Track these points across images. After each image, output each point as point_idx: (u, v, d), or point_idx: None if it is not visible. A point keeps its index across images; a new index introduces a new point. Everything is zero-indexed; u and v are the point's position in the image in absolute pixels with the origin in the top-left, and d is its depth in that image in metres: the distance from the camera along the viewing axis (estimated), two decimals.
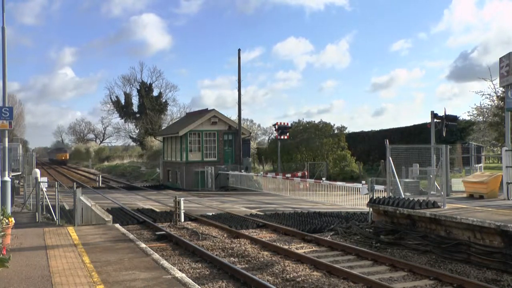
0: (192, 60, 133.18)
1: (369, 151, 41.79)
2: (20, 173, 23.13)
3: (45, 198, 14.40)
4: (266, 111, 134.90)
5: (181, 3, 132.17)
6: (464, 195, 15.53)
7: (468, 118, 35.84)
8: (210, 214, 18.31)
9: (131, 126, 77.82)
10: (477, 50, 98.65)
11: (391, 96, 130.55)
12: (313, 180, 25.87)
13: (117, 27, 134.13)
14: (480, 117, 35.01)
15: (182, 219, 16.24)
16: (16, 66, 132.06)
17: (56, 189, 14.04)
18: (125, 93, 74.65)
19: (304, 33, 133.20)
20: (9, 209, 13.14)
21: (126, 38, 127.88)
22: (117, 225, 13.13)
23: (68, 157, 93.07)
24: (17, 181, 21.40)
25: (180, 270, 8.78)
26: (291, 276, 9.21)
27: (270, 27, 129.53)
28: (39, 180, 14.71)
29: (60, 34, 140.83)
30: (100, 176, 42.30)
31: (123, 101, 74.38)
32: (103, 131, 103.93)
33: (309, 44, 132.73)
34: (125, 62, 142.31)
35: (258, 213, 18.70)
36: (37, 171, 17.78)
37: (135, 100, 74.21)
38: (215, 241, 12.99)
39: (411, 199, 12.61)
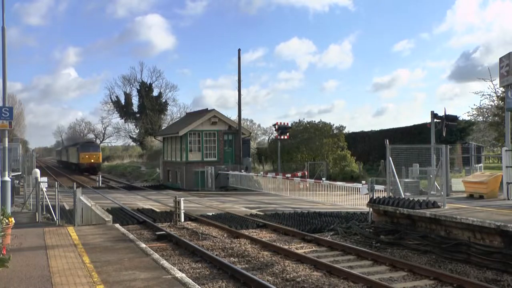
0: (195, 61, 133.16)
1: (369, 151, 41.79)
2: (20, 173, 23.13)
3: (45, 198, 14.40)
4: (267, 111, 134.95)
5: (186, 4, 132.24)
6: (464, 195, 15.53)
7: (468, 118, 35.84)
8: (210, 214, 18.30)
9: (131, 126, 77.83)
10: (479, 51, 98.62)
11: (392, 96, 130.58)
12: (313, 180, 25.86)
13: (121, 28, 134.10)
14: (480, 117, 35.01)
15: (182, 219, 16.23)
16: (20, 67, 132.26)
17: (56, 189, 14.04)
18: (125, 93, 74.69)
19: (307, 33, 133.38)
20: (9, 209, 13.14)
21: (130, 39, 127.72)
22: (117, 225, 13.12)
23: (101, 160, 56.96)
24: (17, 181, 21.39)
25: (180, 270, 8.77)
26: (291, 276, 9.21)
27: (273, 28, 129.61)
28: (39, 180, 14.72)
29: (65, 35, 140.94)
30: (100, 176, 42.28)
31: (123, 101, 74.38)
32: (103, 131, 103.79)
33: (312, 45, 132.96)
34: (128, 62, 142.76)
35: (258, 213, 18.70)
36: (37, 171, 17.77)
37: (135, 100, 74.29)
38: (215, 241, 12.99)
39: (411, 199, 12.61)
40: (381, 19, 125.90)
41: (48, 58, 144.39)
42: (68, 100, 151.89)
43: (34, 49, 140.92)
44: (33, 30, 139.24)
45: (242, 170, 32.81)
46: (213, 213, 18.46)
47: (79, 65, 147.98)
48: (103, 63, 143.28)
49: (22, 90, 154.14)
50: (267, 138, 63.29)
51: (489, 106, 33.03)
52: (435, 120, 18.82)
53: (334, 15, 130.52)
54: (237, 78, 35.12)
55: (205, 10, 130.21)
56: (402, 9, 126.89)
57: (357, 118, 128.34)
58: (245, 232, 14.22)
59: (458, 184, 17.94)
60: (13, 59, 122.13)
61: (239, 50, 36.10)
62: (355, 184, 22.14)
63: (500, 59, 15.46)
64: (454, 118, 19.64)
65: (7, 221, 9.51)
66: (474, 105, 40.62)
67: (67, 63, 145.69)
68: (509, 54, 15.01)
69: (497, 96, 31.18)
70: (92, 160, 52.96)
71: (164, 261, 8.53)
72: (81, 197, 13.25)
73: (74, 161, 57.35)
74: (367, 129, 50.83)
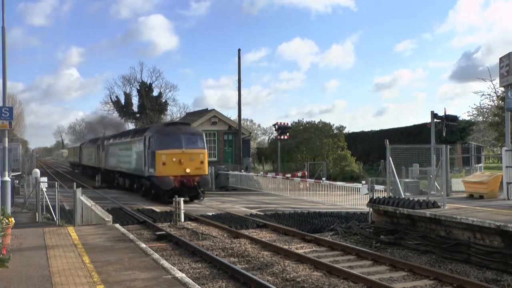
0: (197, 61, 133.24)
1: (369, 151, 41.84)
2: (20, 173, 23.16)
3: (45, 198, 14.40)
4: (267, 111, 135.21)
5: (189, 5, 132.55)
6: (464, 195, 15.54)
7: (468, 118, 35.89)
8: (210, 214, 18.30)
9: (131, 126, 77.82)
10: (481, 51, 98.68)
11: (393, 96, 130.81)
12: (313, 180, 25.87)
13: (124, 28, 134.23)
14: (480, 117, 35.06)
15: (182, 219, 16.22)
16: (23, 67, 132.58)
17: (56, 189, 14.04)
18: (125, 93, 74.69)
19: (309, 34, 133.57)
20: (9, 209, 13.15)
21: (134, 39, 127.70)
22: (117, 225, 13.12)
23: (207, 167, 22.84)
24: (17, 181, 21.41)
25: (180, 270, 8.77)
26: (291, 276, 9.21)
27: (275, 28, 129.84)
28: (39, 180, 14.72)
29: (68, 35, 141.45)
30: (100, 176, 42.13)
31: (123, 101, 74.44)
32: (103, 131, 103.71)
33: (314, 45, 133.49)
34: (131, 63, 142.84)
35: (258, 213, 18.69)
36: (37, 171, 17.78)
37: (135, 100, 74.24)
38: (215, 241, 12.99)
39: (411, 199, 12.62)
40: (383, 19, 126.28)
41: (51, 58, 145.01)
42: (70, 100, 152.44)
43: (36, 49, 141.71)
44: (36, 30, 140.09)
45: (242, 170, 32.83)
46: (213, 213, 18.45)
47: (81, 65, 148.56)
48: (106, 64, 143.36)
49: (24, 90, 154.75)
50: (267, 138, 63.45)
51: (489, 106, 33.07)
52: (435, 120, 18.84)
53: (336, 15, 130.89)
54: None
55: (208, 11, 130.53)
56: (404, 10, 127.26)
57: (358, 118, 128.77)
58: (245, 232, 14.22)
59: (458, 184, 17.97)
60: (15, 59, 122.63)
61: (239, 50, 36.14)
62: (355, 184, 22.14)
63: (500, 59, 15.48)
64: (454, 118, 19.66)
65: (7, 221, 9.51)
66: (474, 104, 40.58)
67: (70, 63, 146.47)
68: (509, 54, 15.03)
69: (497, 96, 31.21)
70: (189, 170, 21.61)
71: (164, 261, 8.53)
72: (81, 197, 13.25)
73: (133, 169, 25.13)
74: (367, 129, 50.90)
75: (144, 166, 22.80)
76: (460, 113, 65.86)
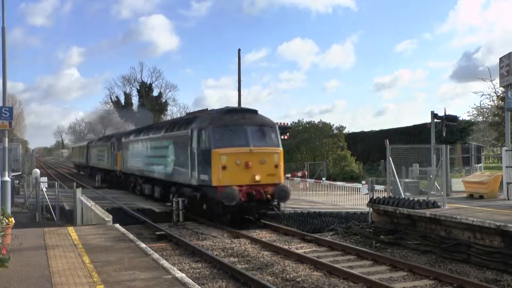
0: (198, 61, 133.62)
1: (369, 151, 41.85)
2: (20, 173, 23.17)
3: (45, 198, 14.41)
4: (267, 111, 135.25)
5: (190, 5, 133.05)
6: (464, 195, 15.53)
7: (468, 118, 35.90)
8: None
9: (131, 126, 77.79)
10: (481, 51, 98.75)
11: (393, 96, 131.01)
12: (313, 180, 25.87)
13: (125, 28, 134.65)
14: (480, 117, 35.05)
15: (182, 219, 16.21)
16: (23, 67, 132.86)
17: (56, 189, 14.07)
18: (125, 93, 74.78)
19: (310, 34, 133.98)
20: (9, 209, 13.13)
21: (134, 39, 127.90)
22: (117, 225, 13.09)
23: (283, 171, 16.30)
24: (17, 181, 21.42)
25: (180, 270, 8.76)
26: (291, 276, 9.20)
27: (276, 28, 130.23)
28: (39, 180, 14.74)
29: (69, 35, 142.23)
30: (100, 175, 42.07)
31: (123, 101, 74.44)
32: (103, 131, 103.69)
33: (315, 45, 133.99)
34: (131, 63, 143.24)
35: None
36: (37, 171, 17.79)
37: (135, 100, 74.34)
38: (215, 241, 12.99)
39: (411, 199, 12.61)
40: (383, 19, 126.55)
41: (51, 58, 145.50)
42: (70, 100, 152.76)
43: (37, 50, 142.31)
44: (37, 30, 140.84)
45: None
46: None
47: (82, 65, 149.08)
48: (106, 64, 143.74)
49: (24, 90, 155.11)
50: None
51: (489, 106, 33.07)
52: (435, 120, 18.82)
53: (336, 15, 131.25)
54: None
55: (208, 11, 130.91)
56: (404, 10, 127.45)
57: (358, 118, 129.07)
58: (245, 232, 14.21)
59: (458, 184, 17.95)
60: (15, 59, 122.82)
61: (239, 50, 36.13)
62: (355, 184, 22.15)
63: (500, 59, 15.48)
64: (454, 118, 19.62)
65: (7, 221, 9.50)
66: (474, 104, 40.55)
67: (70, 63, 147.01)
68: (509, 54, 15.03)
69: (497, 96, 31.21)
70: (259, 178, 14.97)
71: (164, 261, 8.52)
72: (81, 197, 13.26)
73: (171, 175, 18.52)
74: (367, 129, 50.95)
75: (191, 171, 16.21)
76: (460, 113, 65.85)
